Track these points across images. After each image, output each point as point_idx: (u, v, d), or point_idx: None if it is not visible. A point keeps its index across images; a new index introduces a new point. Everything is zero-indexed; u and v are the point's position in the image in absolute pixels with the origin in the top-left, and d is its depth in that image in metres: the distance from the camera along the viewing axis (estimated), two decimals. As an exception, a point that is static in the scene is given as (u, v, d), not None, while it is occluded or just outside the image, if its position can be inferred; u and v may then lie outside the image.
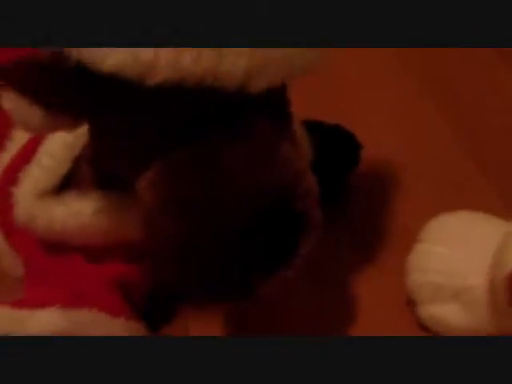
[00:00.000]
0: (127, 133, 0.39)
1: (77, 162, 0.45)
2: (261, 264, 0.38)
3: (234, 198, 0.38)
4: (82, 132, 0.43)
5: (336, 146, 0.57)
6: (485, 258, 0.46)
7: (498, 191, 0.58)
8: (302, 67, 0.39)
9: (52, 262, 0.45)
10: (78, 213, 0.43)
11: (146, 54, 0.35)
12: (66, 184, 0.45)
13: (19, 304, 0.43)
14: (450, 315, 0.47)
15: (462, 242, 0.48)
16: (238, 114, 0.38)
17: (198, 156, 0.38)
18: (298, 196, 0.39)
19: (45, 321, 0.41)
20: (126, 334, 0.43)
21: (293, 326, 0.50)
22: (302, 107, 0.52)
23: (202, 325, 0.49)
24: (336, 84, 0.67)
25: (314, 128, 0.56)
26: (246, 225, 0.38)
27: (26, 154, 0.46)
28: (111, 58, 0.35)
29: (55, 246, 0.45)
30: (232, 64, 0.35)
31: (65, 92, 0.37)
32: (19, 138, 0.48)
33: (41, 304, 0.42)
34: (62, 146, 0.45)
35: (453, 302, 0.47)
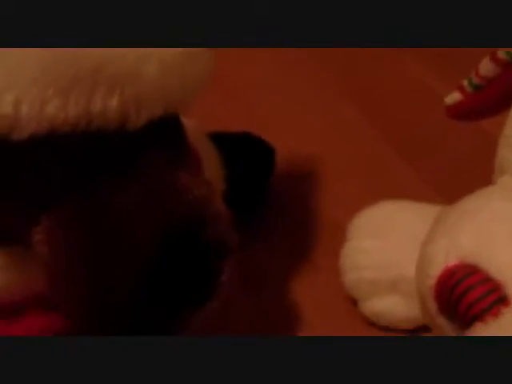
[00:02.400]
0: (7, 189, 0.36)
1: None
2: (179, 304, 0.36)
3: (133, 243, 0.35)
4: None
5: (248, 153, 0.55)
6: (414, 246, 0.44)
7: (424, 175, 0.58)
8: (181, 93, 0.37)
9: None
10: None
11: (6, 108, 0.32)
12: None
13: None
14: (392, 308, 0.46)
15: (389, 232, 0.47)
16: (124, 153, 0.36)
17: (88, 204, 0.35)
18: (205, 225, 0.37)
19: None
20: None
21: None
22: (205, 119, 0.50)
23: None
24: (234, 90, 0.65)
25: (222, 139, 0.54)
26: (155, 265, 0.36)
27: None
28: None
29: None
30: (103, 105, 0.33)
31: None
32: None
33: None
34: None
35: (391, 294, 0.46)
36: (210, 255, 0.37)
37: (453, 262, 0.36)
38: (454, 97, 0.44)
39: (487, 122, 0.47)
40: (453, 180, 0.57)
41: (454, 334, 0.36)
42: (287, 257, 0.53)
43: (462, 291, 0.34)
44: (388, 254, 0.46)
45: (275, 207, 0.56)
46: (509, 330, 0.33)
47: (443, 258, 0.36)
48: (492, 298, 0.34)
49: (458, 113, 0.45)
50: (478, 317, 0.34)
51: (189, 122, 0.43)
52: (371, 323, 0.47)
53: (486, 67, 0.42)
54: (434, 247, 0.37)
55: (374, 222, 0.48)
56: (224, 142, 0.53)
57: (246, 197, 0.53)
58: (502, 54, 0.41)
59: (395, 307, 0.45)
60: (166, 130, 0.38)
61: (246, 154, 0.55)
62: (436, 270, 0.36)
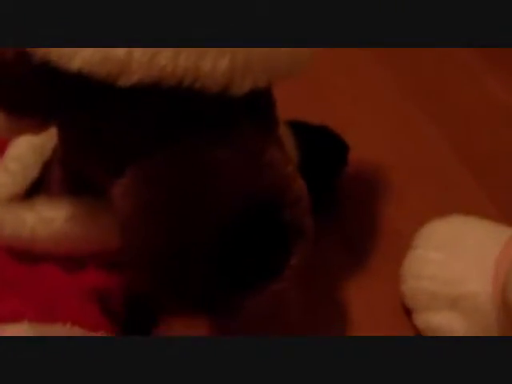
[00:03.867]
0: (99, 136, 0.36)
1: (46, 166, 0.42)
2: (246, 278, 0.36)
3: (215, 207, 0.35)
4: (52, 134, 0.40)
5: (323, 147, 0.54)
6: (481, 264, 0.43)
7: (489, 192, 0.56)
8: (288, 69, 0.36)
9: (22, 271, 0.42)
10: (50, 220, 0.40)
11: (118, 52, 0.32)
12: (35, 189, 0.41)
13: None
14: (449, 323, 0.45)
15: (456, 247, 0.46)
16: (219, 117, 0.35)
17: (176, 161, 0.35)
18: (286, 204, 0.36)
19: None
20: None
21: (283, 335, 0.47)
22: (286, 107, 0.49)
23: (186, 333, 0.45)
24: (321, 84, 0.65)
25: (300, 129, 0.53)
26: (230, 235, 0.35)
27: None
28: (79, 57, 0.32)
29: (25, 254, 0.41)
30: (213, 65, 0.33)
31: (29, 92, 0.34)
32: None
33: (10, 317, 0.39)
34: (29, 149, 0.41)
35: (450, 310, 0.44)
36: (285, 235, 0.36)
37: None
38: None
39: None
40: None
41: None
42: (345, 257, 0.52)
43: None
44: (453, 268, 0.45)
45: (340, 205, 0.56)
46: None
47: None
48: None
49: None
50: None
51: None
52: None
53: None
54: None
55: (444, 234, 0.47)
56: (302, 130, 0.53)
57: (314, 189, 0.52)
58: None
59: (453, 324, 0.44)
60: (260, 103, 0.38)
61: (321, 146, 0.54)
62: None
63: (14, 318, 0.39)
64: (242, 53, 0.34)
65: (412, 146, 0.61)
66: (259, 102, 0.37)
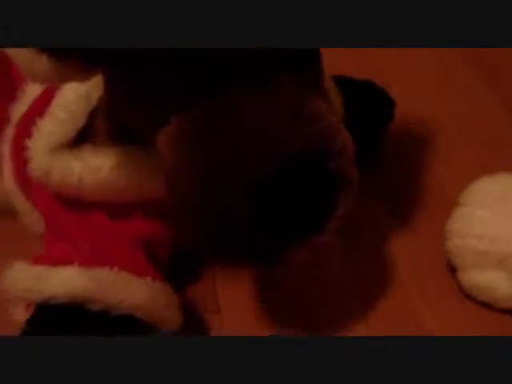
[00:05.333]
0: (144, 85, 0.36)
1: (92, 115, 0.42)
2: (291, 228, 0.35)
3: (258, 155, 0.34)
4: (97, 83, 0.40)
5: (368, 101, 0.53)
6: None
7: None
8: None
9: (70, 217, 0.42)
10: (96, 168, 0.40)
11: None
12: (81, 138, 0.42)
13: (38, 261, 0.40)
14: (495, 284, 0.44)
15: (504, 206, 0.44)
16: (259, 67, 0.35)
17: (218, 109, 0.35)
18: (331, 154, 0.35)
19: (64, 279, 0.38)
20: (149, 294, 0.40)
21: (325, 291, 0.47)
22: (331, 61, 0.48)
23: (230, 285, 0.46)
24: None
25: (345, 84, 0.52)
26: (274, 184, 0.34)
27: (40, 107, 0.43)
28: None
29: (73, 201, 0.42)
30: None
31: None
32: (32, 90, 0.45)
33: (61, 261, 0.39)
34: (76, 98, 0.41)
35: (497, 270, 0.44)
36: (330, 186, 0.35)
37: None
38: None
39: None
40: None
41: None
42: (389, 214, 0.51)
43: None
44: (501, 227, 0.44)
45: (385, 162, 0.55)
46: None
47: None
48: None
49: None
50: None
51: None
52: (466, 295, 0.45)
53: None
54: None
55: (491, 192, 0.45)
56: (347, 85, 0.52)
57: (360, 143, 0.51)
58: None
59: (498, 283, 0.44)
60: (303, 53, 0.37)
61: (367, 100, 0.53)
62: None
63: (64, 262, 0.39)
64: None
65: (460, 102, 0.60)
66: (302, 52, 0.37)
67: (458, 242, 0.45)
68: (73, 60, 0.34)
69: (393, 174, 0.54)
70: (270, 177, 0.34)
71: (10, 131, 0.46)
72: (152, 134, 0.37)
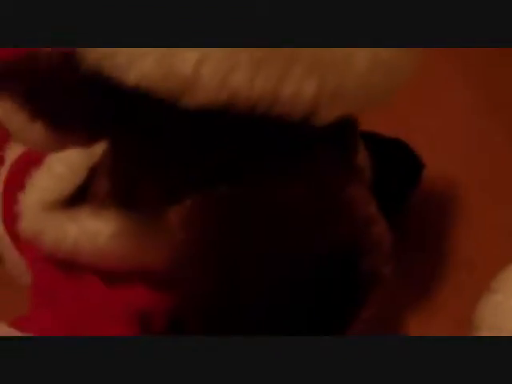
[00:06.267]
0: (156, 158, 0.31)
1: (93, 172, 0.38)
2: (309, 325, 0.31)
3: (284, 249, 0.30)
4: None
5: (396, 163, 0.50)
6: None
7: None
8: (384, 94, 0.31)
9: (60, 284, 0.39)
10: (94, 233, 0.36)
11: (185, 68, 0.27)
12: (79, 196, 0.38)
13: (20, 326, 0.37)
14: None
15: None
16: (295, 148, 0.31)
17: (243, 195, 0.30)
18: (364, 252, 0.31)
19: None
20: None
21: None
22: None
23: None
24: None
25: (374, 141, 0.48)
26: (293, 276, 0.31)
27: (35, 156, 0.39)
28: (137, 69, 0.27)
29: (65, 264, 0.38)
30: (297, 89, 0.28)
31: (75, 105, 0.29)
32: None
33: (42, 330, 0.37)
34: (77, 151, 0.37)
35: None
36: (360, 286, 0.31)
37: None
38: None
39: None
40: None
41: None
42: (409, 291, 0.48)
43: None
44: None
45: (409, 228, 0.51)
46: None
47: None
48: None
49: None
50: None
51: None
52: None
53: None
54: None
55: None
56: (376, 144, 0.48)
57: (385, 206, 0.48)
58: None
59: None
60: (344, 132, 0.33)
61: (396, 161, 0.49)
62: None
63: (48, 331, 0.36)
64: (332, 75, 0.29)
65: (492, 167, 0.55)
66: (342, 131, 0.33)
67: (488, 335, 0.41)
68: (70, 129, 0.30)
69: (417, 241, 0.50)
70: (296, 276, 0.31)
71: (2, 173, 0.42)
72: (160, 207, 0.33)
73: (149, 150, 0.32)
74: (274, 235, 0.30)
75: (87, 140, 0.32)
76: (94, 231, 0.36)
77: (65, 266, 0.38)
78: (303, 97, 0.28)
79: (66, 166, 0.37)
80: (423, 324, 0.46)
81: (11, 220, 0.39)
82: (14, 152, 0.42)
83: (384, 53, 0.30)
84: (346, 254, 0.31)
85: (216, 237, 0.30)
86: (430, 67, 0.62)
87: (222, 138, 0.30)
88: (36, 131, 0.30)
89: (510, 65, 0.62)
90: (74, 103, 0.30)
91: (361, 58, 0.29)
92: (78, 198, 0.37)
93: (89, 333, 0.37)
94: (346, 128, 0.34)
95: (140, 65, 0.28)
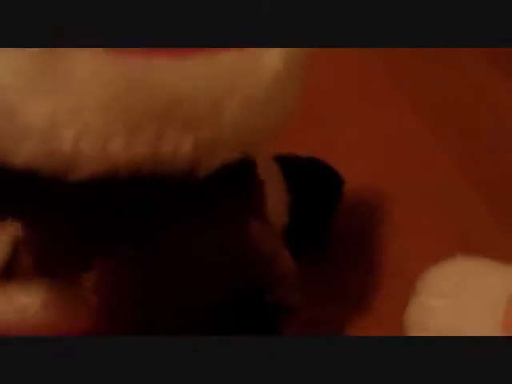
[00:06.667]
0: (66, 231, 0.33)
1: (16, 248, 0.39)
2: None
3: (192, 295, 0.32)
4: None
5: (314, 181, 0.52)
6: (487, 313, 0.41)
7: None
8: (264, 134, 0.33)
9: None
10: (24, 307, 0.38)
11: (64, 146, 0.29)
12: (6, 272, 0.39)
13: None
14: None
15: (463, 294, 0.43)
16: (189, 199, 0.33)
17: (143, 256, 0.33)
18: (271, 283, 0.34)
19: None
20: None
21: None
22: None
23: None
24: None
25: (288, 163, 0.50)
26: (211, 316, 0.33)
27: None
28: (22, 151, 0.29)
29: None
30: (175, 148, 0.30)
31: None
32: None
33: None
34: None
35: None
36: (270, 315, 0.34)
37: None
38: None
39: None
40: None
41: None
42: (343, 300, 0.50)
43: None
44: (456, 317, 0.42)
45: (336, 244, 0.53)
46: None
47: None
48: None
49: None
50: None
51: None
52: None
53: None
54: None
55: (449, 279, 0.44)
56: (290, 166, 0.50)
57: (308, 227, 0.50)
58: None
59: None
60: (238, 173, 0.35)
61: (313, 180, 0.51)
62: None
63: None
64: (206, 128, 0.31)
65: (415, 171, 0.57)
66: (237, 173, 0.35)
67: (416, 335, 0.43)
68: None
69: (343, 259, 0.52)
70: (208, 307, 0.33)
71: None
72: (78, 275, 0.35)
73: (58, 224, 0.34)
74: (181, 284, 0.32)
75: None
76: (24, 305, 0.38)
77: None
78: (182, 153, 0.30)
79: None
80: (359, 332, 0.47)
81: None
82: None
83: (258, 93, 0.31)
84: (253, 290, 0.33)
85: (123, 295, 0.33)
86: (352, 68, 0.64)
87: (113, 203, 0.32)
88: None
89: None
90: None
91: (232, 102, 0.31)
92: (5, 274, 0.39)
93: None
94: (240, 167, 0.35)
95: (25, 147, 0.29)
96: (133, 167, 0.30)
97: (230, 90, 0.31)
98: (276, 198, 0.45)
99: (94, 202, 0.32)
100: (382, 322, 0.48)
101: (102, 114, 0.29)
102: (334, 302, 0.49)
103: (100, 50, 0.29)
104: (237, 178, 0.35)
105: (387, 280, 0.50)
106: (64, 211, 0.33)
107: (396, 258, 0.52)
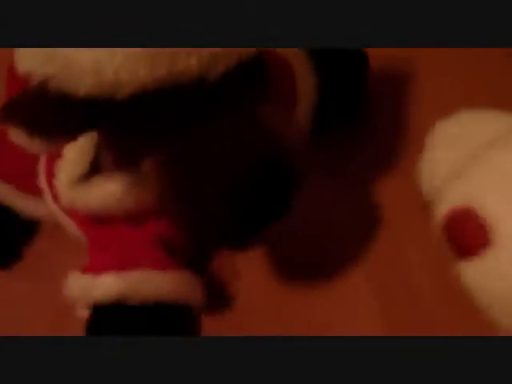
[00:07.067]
0: (119, 139, 0.46)
1: (98, 149, 0.51)
2: (258, 218, 0.45)
3: (222, 169, 0.44)
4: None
5: (342, 61, 0.58)
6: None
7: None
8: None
9: (103, 233, 0.52)
10: (113, 192, 0.50)
11: (108, 74, 0.41)
12: (93, 169, 0.51)
13: (85, 270, 0.51)
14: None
15: (462, 144, 0.47)
16: (208, 99, 0.43)
17: (183, 143, 0.44)
18: (280, 156, 0.44)
19: (105, 286, 0.49)
20: (176, 286, 0.50)
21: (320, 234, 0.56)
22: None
23: (250, 262, 0.56)
24: None
25: (316, 53, 0.57)
26: (240, 187, 0.44)
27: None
28: (83, 85, 0.41)
29: (100, 219, 0.52)
30: (184, 64, 0.41)
31: (55, 121, 0.43)
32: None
33: (101, 270, 0.50)
34: (77, 141, 0.51)
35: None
36: (283, 182, 0.44)
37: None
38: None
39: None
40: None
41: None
42: (371, 160, 0.58)
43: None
44: (457, 165, 0.46)
45: (366, 112, 0.60)
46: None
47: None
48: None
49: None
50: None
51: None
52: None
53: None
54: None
55: (450, 132, 0.48)
56: (318, 54, 0.57)
57: (339, 103, 0.58)
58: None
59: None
60: (246, 70, 0.45)
61: (340, 61, 0.58)
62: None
63: (103, 270, 0.50)
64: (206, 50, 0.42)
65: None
66: (246, 71, 0.44)
67: (425, 185, 0.49)
68: (61, 135, 0.44)
69: (375, 119, 0.60)
70: (236, 179, 0.44)
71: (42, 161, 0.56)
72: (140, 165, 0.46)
73: (111, 137, 0.46)
74: (218, 161, 0.44)
75: (74, 138, 0.46)
76: (112, 190, 0.50)
77: (100, 220, 0.52)
78: (191, 65, 0.41)
79: (76, 151, 0.51)
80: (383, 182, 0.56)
81: (56, 197, 0.53)
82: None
83: None
84: (267, 160, 0.44)
85: (174, 179, 0.45)
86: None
87: (152, 111, 0.43)
88: (37, 144, 0.44)
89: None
90: (53, 120, 0.43)
91: None
92: (92, 171, 0.51)
93: (133, 261, 0.50)
94: (253, 66, 0.45)
95: (84, 81, 0.41)
96: (158, 84, 0.41)
97: None
98: (303, 81, 0.54)
99: (140, 114, 0.43)
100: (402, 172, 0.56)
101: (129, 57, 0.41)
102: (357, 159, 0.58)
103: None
104: (246, 75, 0.45)
105: (409, 136, 0.57)
106: (122, 123, 0.44)
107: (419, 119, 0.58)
